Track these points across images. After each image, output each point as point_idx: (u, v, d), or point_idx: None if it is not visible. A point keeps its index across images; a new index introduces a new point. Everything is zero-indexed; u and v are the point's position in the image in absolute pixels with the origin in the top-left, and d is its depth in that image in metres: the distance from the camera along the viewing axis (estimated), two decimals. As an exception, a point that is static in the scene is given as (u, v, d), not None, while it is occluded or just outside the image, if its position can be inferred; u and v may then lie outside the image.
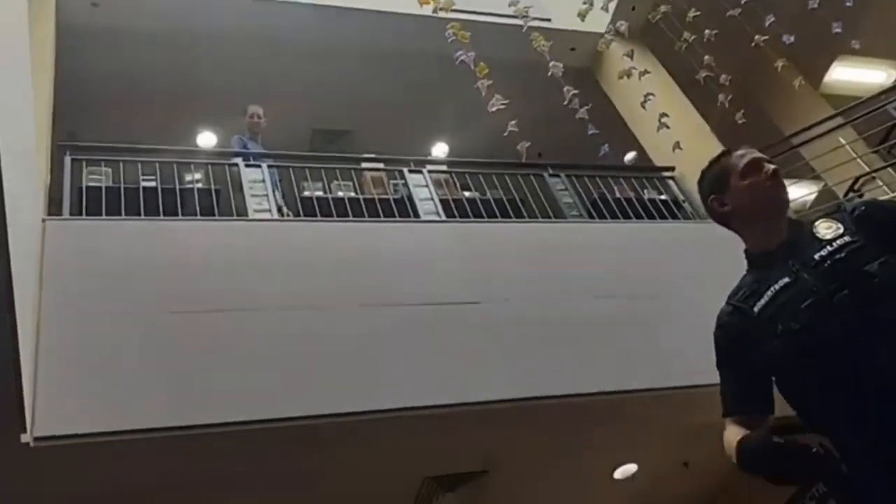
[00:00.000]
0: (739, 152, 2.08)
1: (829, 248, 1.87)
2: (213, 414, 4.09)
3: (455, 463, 5.66)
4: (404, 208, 6.20)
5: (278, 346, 4.48)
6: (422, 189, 6.41)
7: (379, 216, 5.97)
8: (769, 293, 1.91)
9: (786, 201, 2.04)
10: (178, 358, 4.30)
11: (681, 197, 7.23)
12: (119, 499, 4.54)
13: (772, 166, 2.03)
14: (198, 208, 5.57)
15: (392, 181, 6.66)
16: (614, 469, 6.49)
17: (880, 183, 6.92)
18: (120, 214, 5.23)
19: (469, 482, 5.92)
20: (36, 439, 3.75)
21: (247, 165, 6.01)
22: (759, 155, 2.06)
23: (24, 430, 3.70)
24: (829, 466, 1.82)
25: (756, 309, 1.92)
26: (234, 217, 5.59)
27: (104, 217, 5.19)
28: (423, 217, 6.10)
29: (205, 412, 4.07)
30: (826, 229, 1.93)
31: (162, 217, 5.33)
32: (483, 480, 5.91)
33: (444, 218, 6.14)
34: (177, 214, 5.40)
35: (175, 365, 4.25)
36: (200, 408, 4.09)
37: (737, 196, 2.03)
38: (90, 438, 3.86)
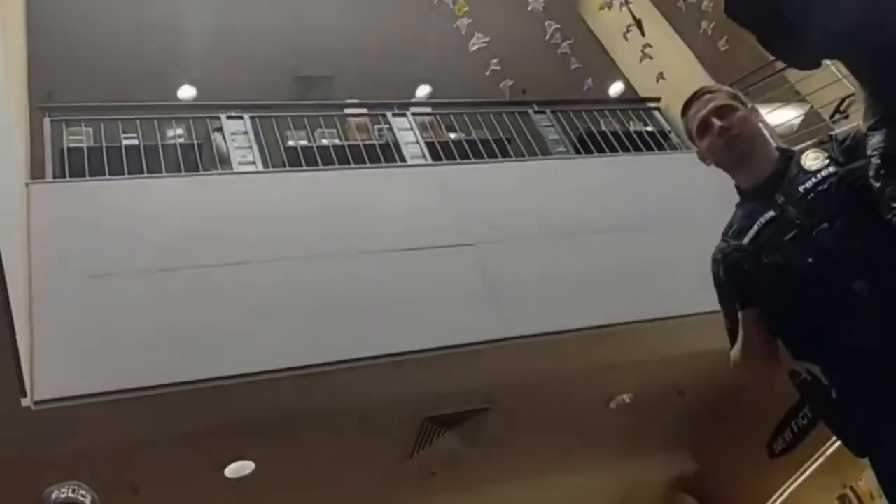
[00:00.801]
0: (693, 110, 2.07)
1: (813, 179, 1.86)
2: (213, 368, 4.12)
3: (454, 402, 5.74)
4: (390, 153, 6.16)
5: (271, 298, 4.50)
6: (407, 133, 6.35)
7: (365, 162, 5.92)
8: (755, 227, 1.91)
9: (745, 150, 1.99)
10: (172, 314, 4.31)
11: (667, 127, 7.18)
12: (121, 455, 4.60)
13: (718, 123, 2.01)
14: (181, 164, 5.51)
15: (377, 126, 6.59)
16: (610, 399, 6.59)
17: (866, 103, 6.86)
18: (103, 174, 5.18)
19: (469, 419, 6.01)
20: (36, 403, 3.78)
21: (228, 118, 5.93)
22: (707, 111, 2.02)
23: (25, 395, 3.73)
24: (818, 393, 1.86)
25: (745, 242, 1.93)
26: (219, 171, 5.54)
27: (88, 178, 5.14)
28: (409, 161, 6.05)
29: (204, 367, 4.11)
30: (813, 160, 1.92)
31: (146, 174, 5.28)
32: (483, 416, 6.00)
33: (430, 161, 6.09)
34: (160, 171, 5.35)
35: (170, 321, 4.27)
36: (199, 363, 4.12)
37: (704, 153, 2.06)
38: (89, 399, 3.90)
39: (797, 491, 5.89)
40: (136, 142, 5.55)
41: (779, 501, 6.05)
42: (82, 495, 2.75)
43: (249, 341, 4.24)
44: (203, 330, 4.26)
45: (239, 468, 5.48)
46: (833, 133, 2.01)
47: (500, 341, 4.72)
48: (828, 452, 5.45)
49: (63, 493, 2.71)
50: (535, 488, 7.07)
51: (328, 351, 4.29)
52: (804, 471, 5.80)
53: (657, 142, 7.03)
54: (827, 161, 1.87)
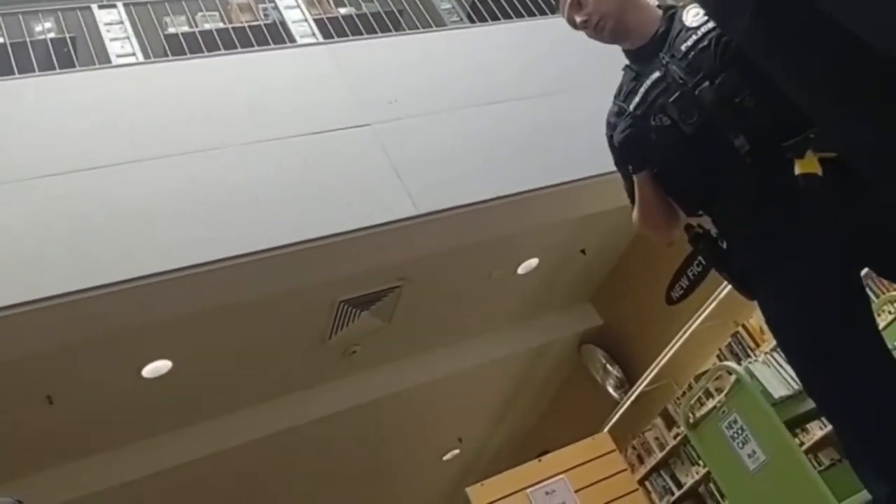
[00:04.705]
0: (560, 11, 2.11)
1: (694, 36, 1.88)
2: (115, 272, 4.00)
3: (367, 283, 5.81)
4: (278, 34, 5.90)
5: (167, 195, 4.34)
6: (293, 10, 6.08)
7: (252, 45, 5.67)
8: (643, 89, 1.95)
9: (615, 27, 2.02)
10: (63, 221, 4.11)
11: (561, -13, 7.07)
12: (29, 366, 4.51)
13: (578, 20, 2.03)
14: (55, 61, 5.16)
15: (261, 5, 6.28)
16: (517, 265, 6.79)
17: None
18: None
19: (383, 298, 6.11)
20: None
21: (100, 7, 5.53)
22: (567, 11, 2.06)
23: None
24: (709, 245, 1.98)
25: (632, 106, 1.97)
26: (96, 66, 5.21)
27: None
28: (299, 41, 5.83)
29: (105, 272, 3.98)
30: (694, 17, 1.94)
31: (18, 75, 4.92)
32: (396, 293, 6.11)
33: (321, 39, 5.88)
34: (32, 70, 5.00)
35: (61, 229, 4.08)
36: (99, 268, 3.98)
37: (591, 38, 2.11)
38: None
39: (695, 332, 6.28)
40: (0, 40, 5.16)
41: (679, 343, 6.44)
42: None
43: (148, 242, 4.12)
44: (99, 235, 4.10)
45: (156, 368, 5.46)
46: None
47: (410, 219, 4.73)
48: (721, 296, 5.78)
49: None
50: (452, 355, 7.34)
51: (231, 245, 4.21)
52: (700, 314, 6.17)
53: (549, 4, 6.94)
54: (706, 17, 1.89)
